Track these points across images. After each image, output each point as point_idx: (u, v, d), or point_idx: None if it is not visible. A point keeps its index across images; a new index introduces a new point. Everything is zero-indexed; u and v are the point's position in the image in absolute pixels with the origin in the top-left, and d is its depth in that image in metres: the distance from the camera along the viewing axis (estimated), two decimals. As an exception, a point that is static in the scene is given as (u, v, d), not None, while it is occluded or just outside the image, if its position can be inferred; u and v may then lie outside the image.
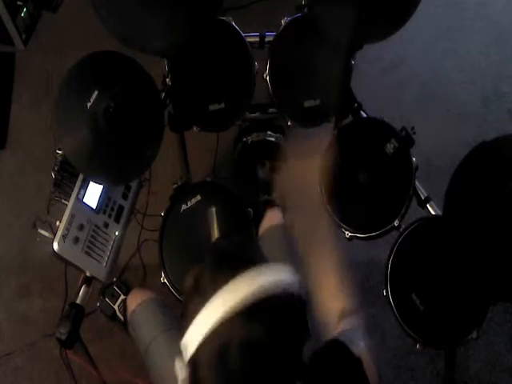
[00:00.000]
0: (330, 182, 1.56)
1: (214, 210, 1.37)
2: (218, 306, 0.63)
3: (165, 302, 1.45)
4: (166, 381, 1.26)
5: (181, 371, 0.66)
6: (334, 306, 0.93)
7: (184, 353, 0.65)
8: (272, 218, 1.49)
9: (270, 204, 1.78)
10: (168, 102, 1.68)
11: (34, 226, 1.40)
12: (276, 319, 0.64)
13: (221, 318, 0.62)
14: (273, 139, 1.89)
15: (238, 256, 0.71)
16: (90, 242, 1.45)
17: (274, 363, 0.64)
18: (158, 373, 1.28)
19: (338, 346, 0.74)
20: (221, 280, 0.65)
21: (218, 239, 0.76)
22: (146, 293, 1.46)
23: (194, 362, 0.64)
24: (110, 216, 1.53)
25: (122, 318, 1.46)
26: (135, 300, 1.43)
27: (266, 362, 0.63)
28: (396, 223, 1.53)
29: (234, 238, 0.77)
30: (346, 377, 0.72)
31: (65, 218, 1.40)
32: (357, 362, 0.75)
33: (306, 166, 1.12)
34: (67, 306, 1.42)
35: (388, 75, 2.62)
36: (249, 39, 1.67)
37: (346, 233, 1.61)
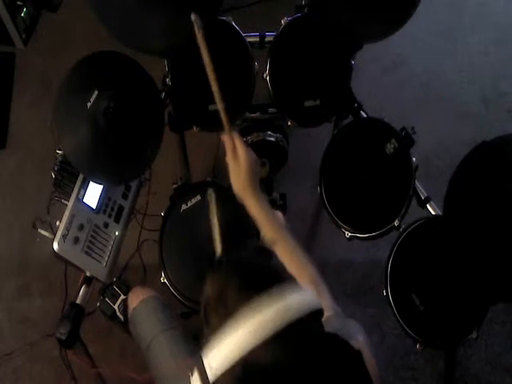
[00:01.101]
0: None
1: (211, 192, 1.38)
2: (246, 332, 0.62)
3: (166, 301, 1.46)
4: (167, 378, 1.26)
5: (195, 379, 0.66)
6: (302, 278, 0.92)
7: (208, 371, 0.64)
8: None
9: (270, 204, 1.79)
10: (168, 101, 1.68)
11: (34, 226, 1.40)
12: (304, 350, 0.64)
13: (250, 348, 0.61)
14: (273, 139, 1.89)
15: (266, 273, 0.70)
16: (90, 242, 1.45)
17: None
18: (159, 370, 1.29)
19: (338, 341, 0.74)
20: (248, 298, 0.64)
21: (237, 247, 0.76)
22: (147, 291, 1.47)
23: (214, 382, 0.63)
24: (110, 216, 1.53)
25: (122, 317, 1.47)
26: (136, 298, 1.44)
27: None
28: (396, 223, 1.53)
29: (259, 249, 0.76)
30: (347, 370, 0.72)
31: (65, 218, 1.40)
32: (358, 356, 0.75)
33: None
34: (67, 306, 1.42)
35: (388, 75, 2.62)
36: (249, 39, 1.67)
37: (346, 233, 1.61)
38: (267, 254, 0.75)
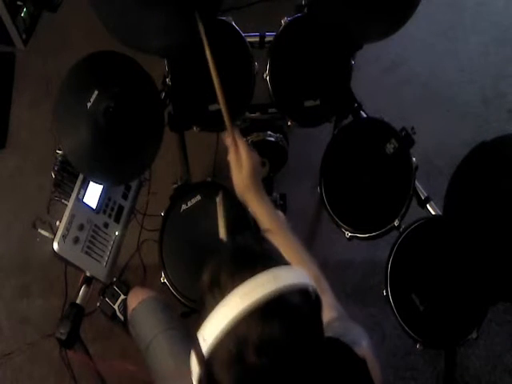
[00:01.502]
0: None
1: (219, 198, 1.38)
2: (236, 302, 0.63)
3: (166, 301, 1.46)
4: (167, 379, 1.26)
5: (195, 365, 0.66)
6: None
7: (201, 345, 0.64)
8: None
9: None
10: (168, 102, 1.68)
11: (34, 226, 1.40)
12: (294, 318, 0.64)
13: (239, 316, 0.62)
14: (273, 139, 1.89)
15: (258, 252, 0.71)
16: (90, 242, 1.45)
17: (291, 363, 0.63)
18: (159, 371, 1.29)
19: (342, 348, 0.73)
20: (240, 275, 0.65)
21: (234, 235, 0.76)
22: (147, 291, 1.47)
23: (209, 358, 0.63)
24: (110, 216, 1.53)
25: (122, 317, 1.47)
26: (136, 298, 1.44)
27: (283, 361, 0.62)
28: (396, 223, 1.53)
29: (253, 234, 0.77)
30: (352, 379, 0.71)
31: (65, 218, 1.40)
32: (361, 363, 0.75)
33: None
34: (67, 306, 1.42)
35: (388, 75, 2.62)
36: (249, 39, 1.66)
37: (346, 233, 1.61)
38: (262, 238, 0.75)
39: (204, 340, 0.64)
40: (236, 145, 1.10)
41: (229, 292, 0.64)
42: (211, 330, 0.63)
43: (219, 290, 0.65)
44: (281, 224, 1.10)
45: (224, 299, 0.64)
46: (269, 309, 0.62)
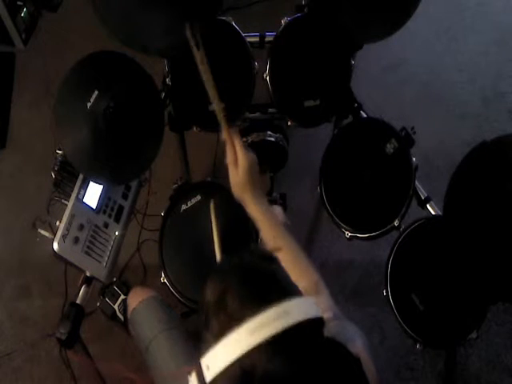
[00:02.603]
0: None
1: (211, 204, 1.39)
2: (245, 336, 0.62)
3: (166, 301, 1.46)
4: (166, 379, 1.26)
5: (193, 380, 0.65)
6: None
7: (204, 373, 0.64)
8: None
9: (271, 203, 1.79)
10: (168, 102, 1.68)
11: (34, 226, 1.40)
12: (302, 356, 0.63)
13: (246, 350, 0.61)
14: (273, 139, 1.89)
15: (268, 278, 0.69)
16: (90, 241, 1.45)
17: None
18: (158, 371, 1.29)
19: (336, 347, 0.73)
20: (250, 305, 0.64)
21: (244, 252, 0.74)
22: (147, 291, 1.47)
23: None
24: (110, 216, 1.53)
25: (121, 317, 1.47)
26: (136, 298, 1.44)
27: None
28: (396, 223, 1.53)
29: (262, 253, 0.75)
30: (345, 376, 0.71)
31: (65, 218, 1.41)
32: (356, 362, 0.75)
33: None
34: (67, 306, 1.42)
35: (388, 75, 2.62)
36: (249, 39, 1.67)
37: (346, 233, 1.61)
38: (270, 258, 0.74)
39: (208, 368, 0.63)
40: (233, 144, 1.10)
41: (237, 322, 0.63)
42: (216, 360, 0.63)
43: (226, 317, 0.64)
44: (278, 227, 1.10)
45: (232, 331, 0.63)
46: (277, 345, 0.62)
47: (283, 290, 0.68)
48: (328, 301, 1.00)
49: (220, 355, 0.63)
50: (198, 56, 1.12)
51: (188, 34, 1.18)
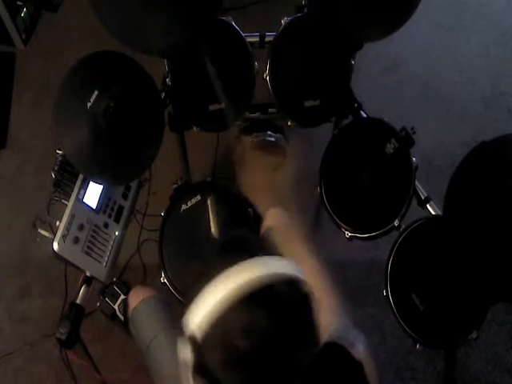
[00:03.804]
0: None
1: (209, 200, 1.39)
2: (222, 288, 0.63)
3: (166, 300, 1.46)
4: (166, 379, 1.26)
5: (184, 352, 0.66)
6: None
7: (188, 333, 0.65)
8: (273, 217, 1.48)
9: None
10: (168, 102, 1.68)
11: (34, 226, 1.40)
12: (281, 307, 0.64)
13: (225, 301, 0.62)
14: (273, 139, 1.89)
15: (250, 243, 0.71)
16: (90, 241, 1.45)
17: (274, 353, 0.63)
18: (158, 371, 1.28)
19: (338, 351, 0.73)
20: (227, 263, 0.65)
21: (224, 231, 0.77)
22: (148, 290, 1.46)
23: (198, 345, 0.64)
24: (110, 216, 1.53)
25: (122, 317, 1.46)
26: (137, 297, 1.43)
27: (267, 350, 0.63)
28: (396, 223, 1.53)
29: (241, 230, 0.77)
30: (347, 382, 0.71)
31: (65, 218, 1.40)
32: (358, 367, 0.75)
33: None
34: (67, 306, 1.42)
35: (388, 75, 2.62)
36: (249, 39, 1.66)
37: (346, 233, 1.61)
38: (257, 232, 0.76)
39: (193, 325, 0.65)
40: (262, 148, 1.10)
41: (215, 277, 0.64)
42: (200, 316, 0.64)
43: (206, 279, 0.66)
44: (303, 242, 1.09)
45: (210, 285, 0.64)
46: (254, 296, 0.63)
47: (264, 252, 0.69)
48: (335, 302, 1.00)
49: (200, 313, 0.64)
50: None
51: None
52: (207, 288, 0.65)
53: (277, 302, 0.64)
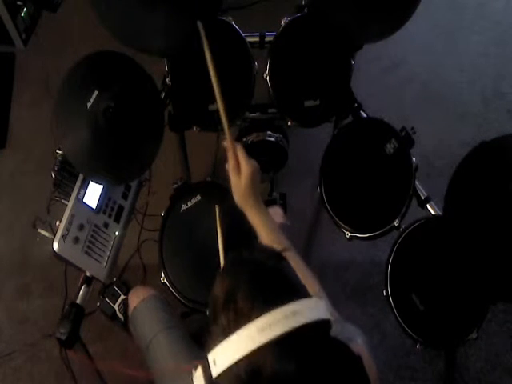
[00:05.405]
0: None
1: (216, 209, 1.39)
2: (253, 334, 0.62)
3: (166, 300, 1.46)
4: (166, 378, 1.26)
5: (199, 379, 0.65)
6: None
7: (211, 368, 0.64)
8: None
9: (271, 203, 1.79)
10: (168, 101, 1.68)
11: (34, 226, 1.40)
12: (311, 358, 0.63)
13: (255, 348, 0.61)
14: (273, 139, 1.89)
15: (279, 277, 0.69)
16: (90, 241, 1.45)
17: None
18: (159, 370, 1.29)
19: (338, 345, 0.73)
20: (260, 303, 0.64)
21: (252, 247, 0.74)
22: (148, 290, 1.47)
23: (217, 380, 0.63)
24: (110, 216, 1.53)
25: (122, 317, 1.47)
26: (137, 297, 1.44)
27: None
28: (396, 223, 1.53)
29: (270, 251, 0.75)
30: (347, 374, 0.71)
31: (65, 218, 1.41)
32: (357, 359, 0.75)
33: None
34: (67, 306, 1.42)
35: (388, 75, 2.62)
36: (249, 39, 1.67)
37: (346, 233, 1.61)
38: (279, 256, 0.74)
39: (215, 363, 0.63)
40: (235, 152, 1.10)
41: (245, 319, 0.63)
42: (224, 356, 0.63)
43: (235, 312, 0.64)
44: (277, 232, 1.10)
45: (241, 328, 0.63)
46: (286, 345, 0.62)
47: (292, 288, 0.68)
48: (327, 305, 1.00)
49: (228, 351, 0.62)
50: (209, 55, 1.13)
51: (201, 32, 1.19)
52: (237, 324, 0.63)
53: (306, 353, 0.63)
